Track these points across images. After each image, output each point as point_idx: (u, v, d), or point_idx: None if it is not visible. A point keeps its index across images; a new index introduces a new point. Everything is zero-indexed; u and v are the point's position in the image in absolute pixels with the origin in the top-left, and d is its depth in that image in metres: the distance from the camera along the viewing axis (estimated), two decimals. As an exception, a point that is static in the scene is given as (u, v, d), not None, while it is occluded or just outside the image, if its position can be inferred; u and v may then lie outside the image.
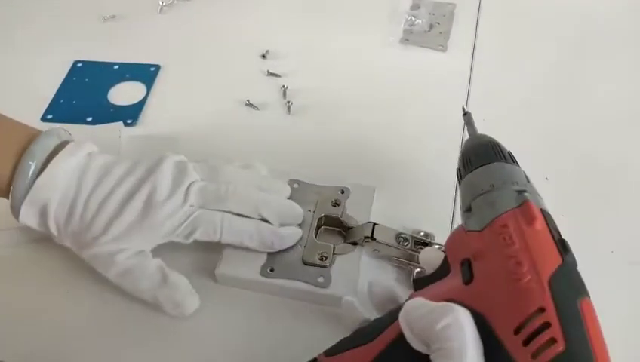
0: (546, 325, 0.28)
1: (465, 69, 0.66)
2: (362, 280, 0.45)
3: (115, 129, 0.58)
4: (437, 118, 0.60)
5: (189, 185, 0.45)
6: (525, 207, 0.34)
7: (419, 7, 0.72)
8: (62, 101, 0.63)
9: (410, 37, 0.69)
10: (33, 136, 0.44)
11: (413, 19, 0.70)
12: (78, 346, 0.44)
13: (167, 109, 0.62)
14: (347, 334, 0.37)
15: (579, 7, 0.73)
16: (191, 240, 0.45)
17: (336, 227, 0.50)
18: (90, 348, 0.44)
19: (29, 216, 0.44)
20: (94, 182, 0.44)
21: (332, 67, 0.66)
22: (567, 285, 0.30)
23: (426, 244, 0.46)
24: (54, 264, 0.48)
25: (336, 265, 0.46)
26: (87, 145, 0.46)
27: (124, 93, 0.64)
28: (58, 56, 0.68)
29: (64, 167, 0.44)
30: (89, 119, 0.60)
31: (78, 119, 0.60)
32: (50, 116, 0.61)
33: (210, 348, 0.44)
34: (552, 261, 0.31)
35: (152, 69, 0.66)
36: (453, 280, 0.34)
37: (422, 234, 0.48)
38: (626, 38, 0.69)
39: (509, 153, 0.42)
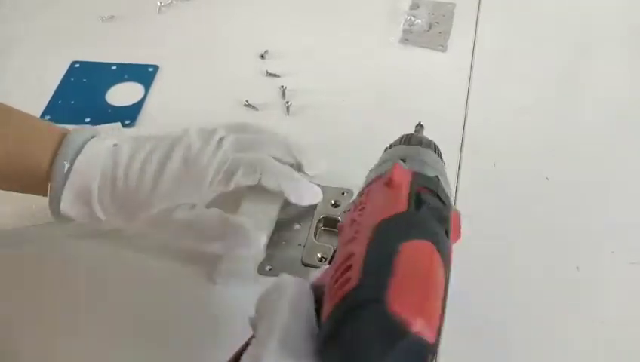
0: (349, 267, 0.26)
1: (465, 68, 0.65)
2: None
3: (112, 130, 0.58)
4: (437, 117, 0.60)
5: (221, 138, 0.47)
6: (390, 170, 0.32)
7: (418, 7, 0.72)
8: (60, 102, 0.62)
9: (409, 37, 0.68)
10: (66, 133, 0.46)
11: (412, 18, 0.70)
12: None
13: (165, 110, 0.62)
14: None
15: (579, 6, 0.73)
16: (232, 185, 0.45)
17: (335, 228, 0.49)
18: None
19: (70, 205, 0.44)
20: (129, 154, 0.45)
21: (331, 67, 0.66)
22: (396, 229, 0.27)
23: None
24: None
25: None
26: (111, 137, 0.47)
27: (122, 94, 0.63)
28: (56, 57, 0.67)
29: (97, 150, 0.45)
30: (87, 120, 0.60)
31: (76, 120, 0.60)
32: (48, 117, 0.61)
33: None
34: (389, 210, 0.29)
35: (151, 69, 0.65)
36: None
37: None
38: (627, 38, 0.69)
39: (431, 142, 0.41)
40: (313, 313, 0.27)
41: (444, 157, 0.55)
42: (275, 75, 0.64)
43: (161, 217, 0.44)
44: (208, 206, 0.46)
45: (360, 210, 0.31)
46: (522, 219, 0.51)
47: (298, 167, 0.49)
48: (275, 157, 0.47)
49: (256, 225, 0.45)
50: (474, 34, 0.69)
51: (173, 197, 0.44)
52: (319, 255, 0.46)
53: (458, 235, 0.33)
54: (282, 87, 0.62)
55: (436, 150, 0.40)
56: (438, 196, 0.32)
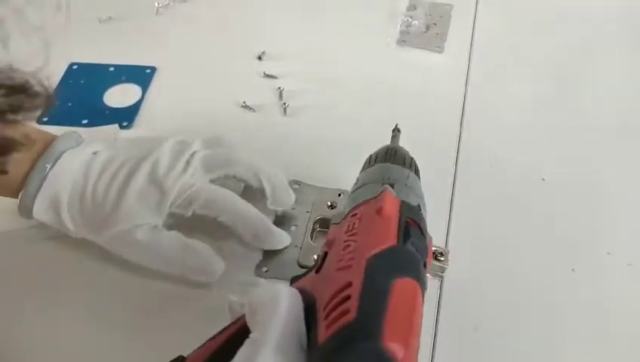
0: (347, 298, 0.27)
1: (462, 70, 0.65)
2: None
3: (110, 131, 0.58)
4: (434, 119, 0.60)
5: (191, 155, 0.47)
6: (380, 196, 0.35)
7: (415, 8, 0.72)
8: (57, 103, 0.62)
9: (406, 38, 0.68)
10: (50, 140, 0.46)
11: (409, 20, 0.70)
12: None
13: (163, 111, 0.62)
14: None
15: (577, 8, 0.73)
16: (190, 212, 0.46)
17: None
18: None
19: (42, 212, 0.45)
20: (100, 169, 0.46)
21: (329, 69, 0.66)
22: (388, 265, 0.29)
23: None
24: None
25: None
26: (94, 144, 0.48)
27: (120, 96, 0.63)
28: (54, 58, 0.67)
29: (72, 162, 0.45)
30: (85, 121, 0.60)
31: (74, 122, 0.60)
32: (45, 118, 0.61)
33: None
34: (382, 242, 0.31)
35: (148, 70, 0.65)
36: (313, 272, 0.34)
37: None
38: (625, 40, 0.69)
39: (412, 160, 0.43)
40: (303, 321, 0.29)
41: (441, 160, 0.56)
42: (272, 77, 0.64)
43: (123, 236, 0.44)
44: (171, 226, 0.46)
45: (352, 234, 0.33)
46: (518, 220, 0.52)
47: (262, 194, 0.48)
48: (241, 179, 0.48)
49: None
50: (471, 35, 0.69)
51: (134, 216, 0.44)
52: (315, 256, 0.46)
53: (430, 262, 0.35)
54: (279, 88, 0.62)
55: (416, 169, 0.42)
56: (419, 227, 0.34)
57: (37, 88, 0.38)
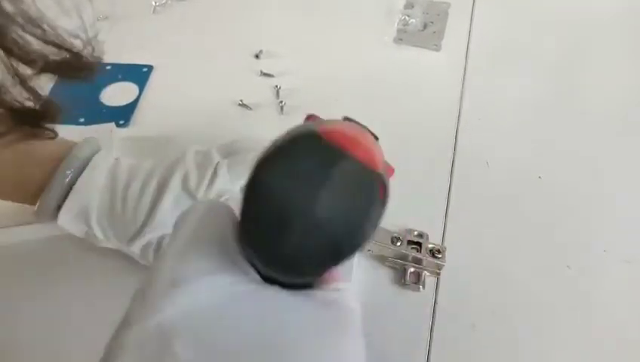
0: None
1: (459, 68, 0.65)
2: (354, 281, 0.45)
3: (106, 130, 0.58)
4: (430, 117, 0.60)
5: (217, 165, 0.47)
6: None
7: (413, 7, 0.72)
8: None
9: (404, 36, 0.68)
10: (68, 146, 0.46)
11: (407, 18, 0.70)
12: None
13: (159, 110, 0.62)
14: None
15: (575, 6, 0.73)
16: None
17: None
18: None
19: (68, 221, 0.45)
20: (126, 179, 0.45)
21: (326, 67, 0.66)
22: None
23: (419, 244, 0.46)
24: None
25: None
26: (113, 151, 0.48)
27: (116, 94, 0.63)
28: (51, 57, 0.67)
29: (99, 170, 0.45)
30: (81, 120, 0.60)
31: (70, 120, 0.60)
32: (42, 117, 0.61)
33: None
34: None
35: (145, 69, 0.65)
36: None
37: (416, 233, 0.48)
38: (623, 38, 0.69)
39: None
40: (229, 224, 0.28)
41: (438, 157, 0.56)
42: (269, 75, 0.64)
43: (152, 247, 0.44)
44: None
45: None
46: (514, 218, 0.52)
47: None
48: None
49: None
50: (468, 33, 0.69)
51: (167, 227, 0.44)
52: None
53: None
54: (276, 86, 0.62)
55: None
56: None
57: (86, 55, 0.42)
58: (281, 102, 0.61)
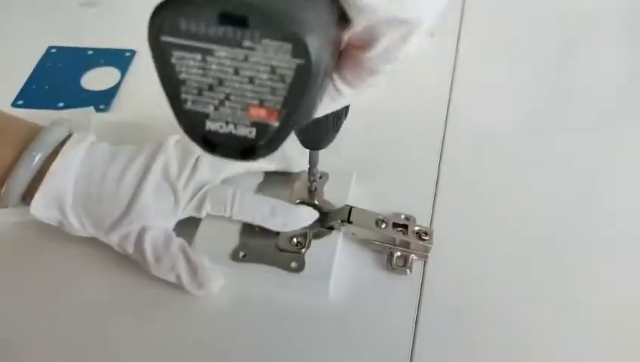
0: None
1: (450, 53, 0.64)
2: (337, 265, 0.44)
3: (85, 114, 0.56)
4: (419, 103, 0.59)
5: (197, 157, 0.46)
6: None
7: (403, -8, 0.70)
8: (34, 87, 0.61)
9: (394, 21, 0.67)
10: (38, 128, 0.44)
11: (397, 3, 0.68)
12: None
13: (141, 95, 0.59)
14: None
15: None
16: (203, 213, 0.45)
17: None
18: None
19: (41, 209, 0.42)
20: (104, 167, 0.43)
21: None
22: None
23: (405, 226, 0.44)
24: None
25: (311, 250, 0.44)
26: (90, 135, 0.46)
27: (98, 79, 0.62)
28: (32, 42, 0.66)
29: (74, 156, 0.43)
30: (61, 105, 0.58)
31: (50, 105, 0.58)
32: (20, 102, 0.59)
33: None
34: None
35: (128, 54, 0.64)
36: None
37: (403, 217, 0.46)
38: (618, 24, 0.68)
39: None
40: None
41: (426, 142, 0.54)
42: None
43: (134, 237, 0.43)
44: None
45: None
46: (504, 207, 0.50)
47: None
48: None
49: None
50: (459, 19, 0.68)
51: (148, 217, 0.43)
52: (295, 240, 0.44)
53: None
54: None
55: None
56: None
57: None
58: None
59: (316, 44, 0.21)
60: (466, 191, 0.51)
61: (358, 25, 0.24)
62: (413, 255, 0.44)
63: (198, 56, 0.23)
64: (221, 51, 0.22)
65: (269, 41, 0.21)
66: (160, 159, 0.44)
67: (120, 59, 0.63)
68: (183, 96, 0.24)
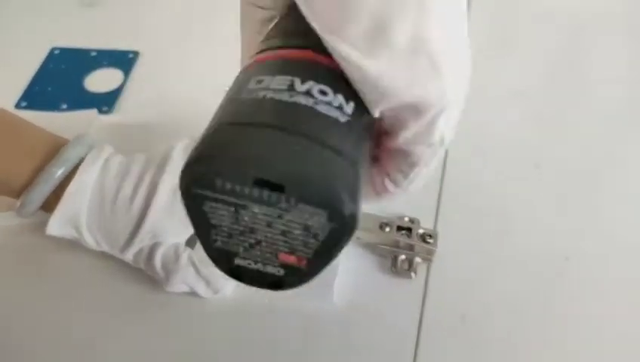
0: None
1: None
2: (342, 269, 0.43)
3: (88, 116, 0.56)
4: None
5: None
6: None
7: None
8: (37, 88, 0.61)
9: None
10: (61, 143, 0.44)
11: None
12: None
13: (144, 97, 0.60)
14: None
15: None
16: None
17: None
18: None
19: (57, 228, 0.43)
20: (117, 184, 0.43)
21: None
22: None
23: (409, 230, 0.44)
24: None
25: None
26: (105, 149, 0.45)
27: (101, 81, 0.61)
28: (35, 43, 0.66)
29: (89, 175, 0.43)
30: (64, 106, 0.58)
31: (53, 106, 0.58)
32: (24, 103, 0.59)
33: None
34: None
35: (131, 55, 0.63)
36: None
37: (406, 219, 0.46)
38: (622, 24, 0.67)
39: None
40: None
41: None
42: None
43: (144, 254, 0.42)
44: None
45: None
46: (510, 208, 0.50)
47: None
48: None
49: None
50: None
51: (158, 236, 0.42)
52: None
53: None
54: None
55: None
56: None
57: None
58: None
59: (351, 208, 0.21)
60: (471, 197, 0.50)
61: (380, 110, 0.24)
62: (417, 258, 0.44)
63: (232, 209, 0.22)
64: (255, 208, 0.22)
65: (305, 206, 0.21)
66: (168, 172, 0.43)
67: (123, 60, 0.63)
68: (213, 237, 0.24)
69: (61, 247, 0.46)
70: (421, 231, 0.44)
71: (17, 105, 0.59)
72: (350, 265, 0.44)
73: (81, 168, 0.43)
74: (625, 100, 0.59)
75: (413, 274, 0.44)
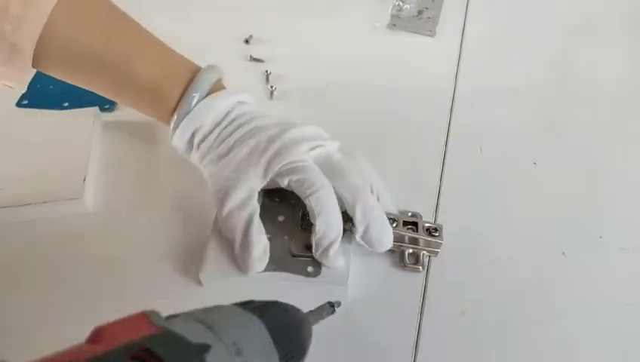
0: None
1: (453, 54, 0.64)
2: (353, 270, 0.44)
3: (89, 114, 0.56)
4: (424, 103, 0.59)
5: (320, 145, 0.46)
6: None
7: (407, -7, 0.70)
8: (38, 86, 0.60)
9: (397, 22, 0.67)
10: (196, 70, 0.48)
11: (400, 4, 0.68)
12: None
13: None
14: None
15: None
16: (285, 183, 0.44)
17: None
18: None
19: (180, 138, 0.47)
20: (235, 116, 0.47)
21: (317, 52, 0.64)
22: None
23: (415, 224, 0.45)
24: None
25: None
26: (243, 94, 0.49)
27: (102, 79, 0.61)
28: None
29: (219, 105, 0.47)
30: (65, 104, 0.58)
31: (54, 104, 0.58)
32: (25, 102, 0.59)
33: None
34: None
35: (132, 53, 0.63)
36: None
37: (410, 214, 0.47)
38: (620, 26, 0.68)
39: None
40: None
41: (430, 142, 0.54)
42: (259, 60, 0.63)
43: (223, 186, 0.44)
44: None
45: None
46: (508, 204, 0.50)
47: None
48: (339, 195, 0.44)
49: None
50: (463, 19, 0.68)
51: (240, 171, 0.44)
52: (307, 244, 0.44)
53: None
54: (267, 71, 0.61)
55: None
56: None
57: None
58: (272, 87, 0.59)
59: None
60: (471, 193, 0.51)
61: None
62: (424, 251, 0.44)
63: None
64: None
65: None
66: (285, 126, 0.46)
67: (124, 58, 0.63)
68: None
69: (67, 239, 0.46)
70: (427, 225, 0.45)
71: (18, 104, 0.59)
72: (359, 262, 0.44)
73: (212, 95, 0.47)
74: (623, 99, 0.60)
75: (420, 268, 0.44)
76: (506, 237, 0.48)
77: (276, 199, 0.47)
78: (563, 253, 0.47)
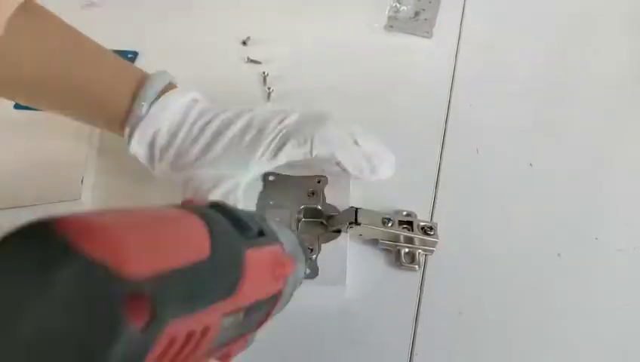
0: None
1: (450, 55, 0.64)
2: (350, 271, 0.44)
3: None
4: (420, 104, 0.59)
5: (289, 112, 0.47)
6: None
7: (404, -6, 0.71)
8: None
9: (394, 23, 0.67)
10: (144, 77, 0.47)
11: (397, 5, 0.69)
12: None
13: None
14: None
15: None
16: (281, 157, 0.45)
17: (316, 218, 0.47)
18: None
19: (138, 145, 0.46)
20: (197, 115, 0.46)
21: (314, 53, 0.64)
22: None
23: (410, 223, 0.45)
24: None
25: (322, 255, 0.44)
26: (193, 92, 0.48)
27: (100, 80, 0.62)
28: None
29: (174, 102, 0.46)
30: (63, 106, 0.58)
31: (53, 106, 0.58)
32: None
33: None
34: None
35: (130, 55, 0.64)
36: None
37: (404, 213, 0.47)
38: (617, 28, 0.68)
39: None
40: None
41: (426, 142, 0.54)
42: (256, 62, 0.63)
43: (198, 181, 0.44)
44: None
45: None
46: (504, 204, 0.51)
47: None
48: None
49: None
50: (460, 21, 0.69)
51: (219, 167, 0.44)
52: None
53: None
54: (264, 73, 0.61)
55: None
56: None
57: None
58: (269, 88, 0.59)
59: None
60: (467, 194, 0.51)
61: None
62: (419, 250, 0.45)
63: None
64: None
65: None
66: (250, 112, 0.46)
67: (123, 60, 0.63)
68: None
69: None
70: (421, 223, 0.45)
71: (16, 105, 0.59)
72: (355, 263, 0.45)
73: (166, 95, 0.45)
74: (620, 101, 0.60)
75: (417, 267, 0.44)
76: (502, 238, 0.48)
77: (271, 202, 0.47)
78: (558, 254, 0.47)
